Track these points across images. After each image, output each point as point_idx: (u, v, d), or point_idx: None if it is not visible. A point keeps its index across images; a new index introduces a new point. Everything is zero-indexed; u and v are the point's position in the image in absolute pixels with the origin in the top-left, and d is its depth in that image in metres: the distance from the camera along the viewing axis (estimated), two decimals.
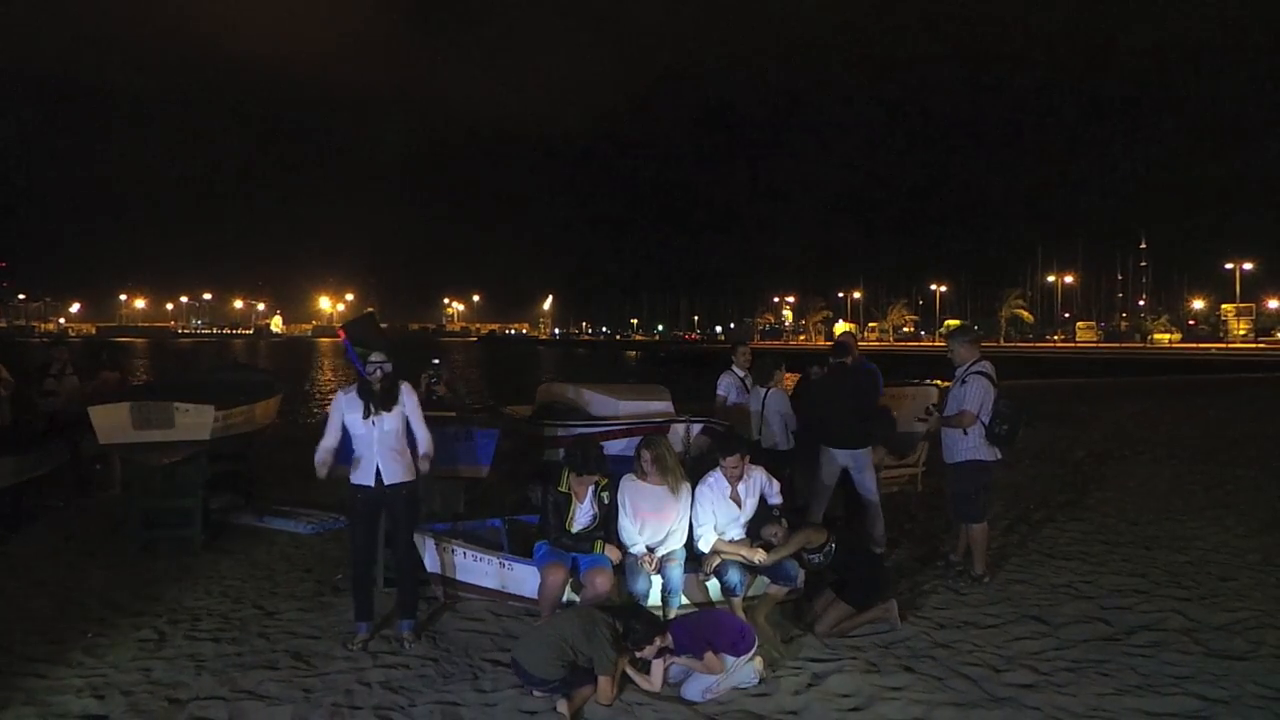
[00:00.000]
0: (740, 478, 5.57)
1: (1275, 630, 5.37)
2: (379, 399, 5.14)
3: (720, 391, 8.36)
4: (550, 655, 4.34)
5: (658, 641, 4.52)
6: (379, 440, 5.15)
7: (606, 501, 5.43)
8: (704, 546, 5.53)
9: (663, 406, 8.09)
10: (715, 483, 5.56)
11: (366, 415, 5.13)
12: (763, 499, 5.71)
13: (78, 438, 8.72)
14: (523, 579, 5.65)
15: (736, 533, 5.58)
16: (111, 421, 7.03)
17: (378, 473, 5.16)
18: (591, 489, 5.40)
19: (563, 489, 5.38)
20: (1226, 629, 5.44)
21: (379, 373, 5.16)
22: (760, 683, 4.61)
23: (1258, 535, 7.76)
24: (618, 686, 4.44)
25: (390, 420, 5.17)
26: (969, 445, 6.43)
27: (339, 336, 5.23)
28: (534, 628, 4.89)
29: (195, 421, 7.15)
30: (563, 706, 4.26)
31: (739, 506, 5.58)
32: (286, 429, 11.37)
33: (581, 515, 5.39)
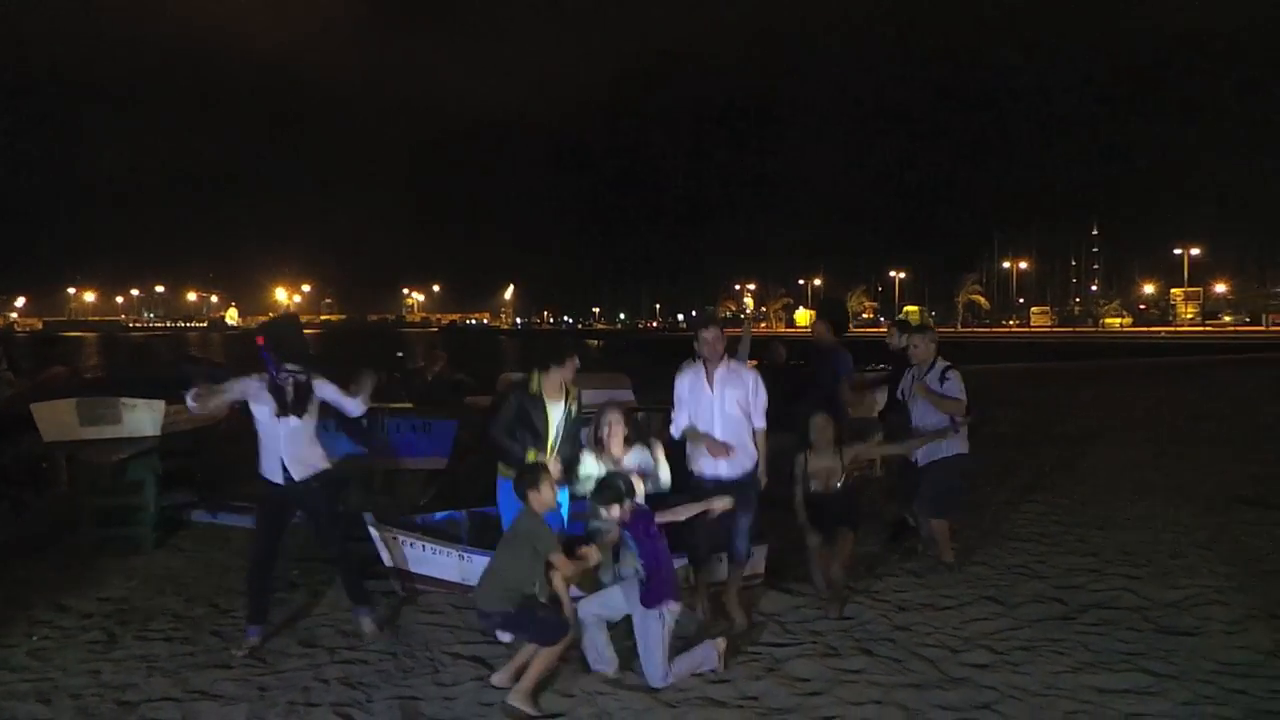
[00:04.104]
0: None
1: (1223, 606, 5.49)
2: (290, 404, 4.96)
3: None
4: (495, 584, 4.44)
5: (620, 509, 4.61)
6: (287, 439, 4.97)
7: (574, 415, 5.38)
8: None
9: (624, 395, 8.10)
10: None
11: (278, 414, 4.95)
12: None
13: (19, 436, 8.47)
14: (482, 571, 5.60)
15: None
16: (56, 419, 6.86)
17: (284, 470, 4.99)
18: (564, 396, 5.35)
19: (534, 391, 5.31)
20: (1176, 606, 5.55)
21: (291, 381, 4.97)
22: (720, 667, 4.62)
23: (1205, 515, 7.94)
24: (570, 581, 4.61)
25: (298, 421, 4.99)
26: (956, 440, 6.46)
27: (258, 342, 4.95)
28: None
29: (144, 417, 6.99)
30: (499, 678, 4.40)
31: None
32: (242, 422, 11.18)
33: (555, 418, 5.32)
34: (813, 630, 5.23)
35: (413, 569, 5.77)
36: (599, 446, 5.40)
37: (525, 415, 5.28)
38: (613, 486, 4.68)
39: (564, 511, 5.35)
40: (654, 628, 4.45)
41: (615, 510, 4.61)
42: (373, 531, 5.74)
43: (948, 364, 6.49)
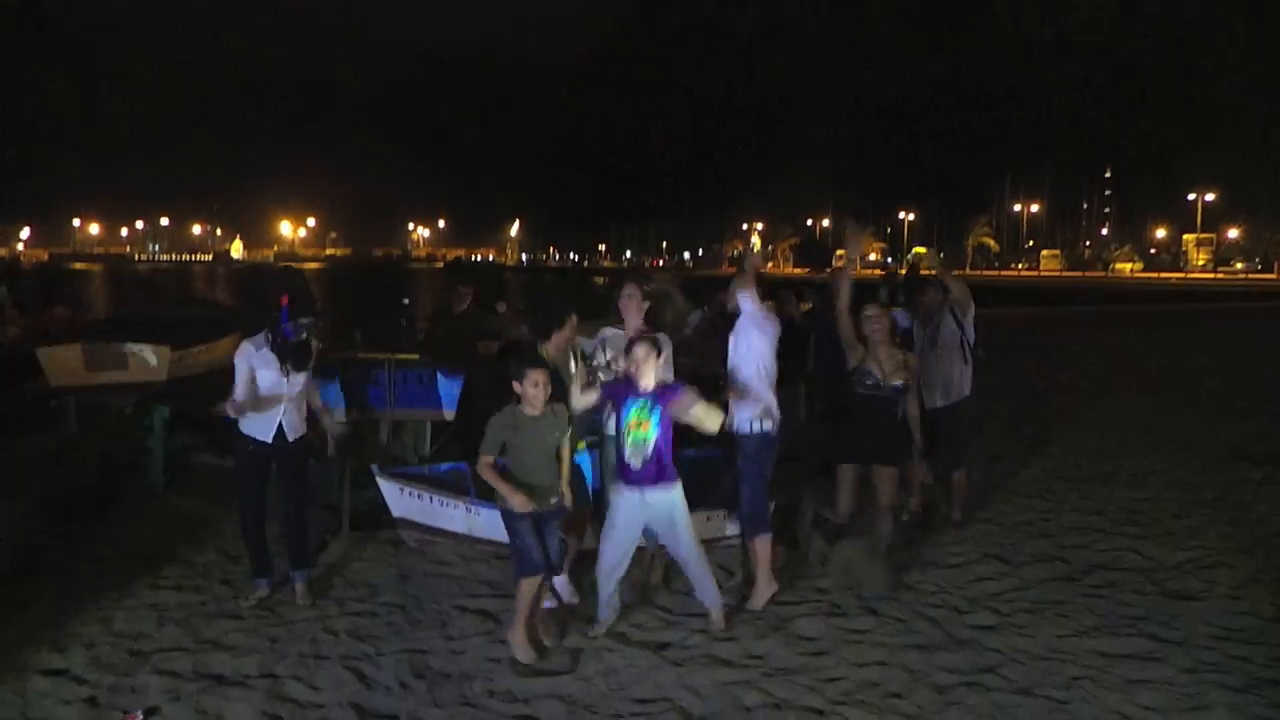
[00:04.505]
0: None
1: (1227, 570, 5.50)
2: (297, 358, 4.90)
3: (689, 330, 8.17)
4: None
5: (653, 363, 4.43)
6: (290, 397, 4.94)
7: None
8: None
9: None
10: None
11: (283, 372, 4.88)
12: None
13: (25, 378, 8.49)
14: (490, 523, 5.62)
15: None
16: (63, 363, 6.85)
17: (280, 429, 4.95)
18: (571, 356, 5.13)
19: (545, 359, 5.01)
20: (1180, 568, 5.57)
21: (305, 334, 4.91)
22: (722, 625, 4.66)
23: (1212, 472, 7.93)
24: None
25: (301, 377, 4.97)
26: (969, 377, 6.43)
27: (281, 302, 4.87)
28: None
29: (150, 362, 6.98)
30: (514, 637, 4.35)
31: None
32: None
33: (566, 379, 5.06)
34: (818, 588, 5.25)
35: (420, 520, 5.80)
36: (618, 322, 5.31)
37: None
38: (650, 339, 4.50)
39: (587, 472, 5.28)
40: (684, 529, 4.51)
41: (649, 362, 4.36)
42: (380, 482, 5.76)
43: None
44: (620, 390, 4.50)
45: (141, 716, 3.72)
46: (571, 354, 5.18)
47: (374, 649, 4.45)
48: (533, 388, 4.30)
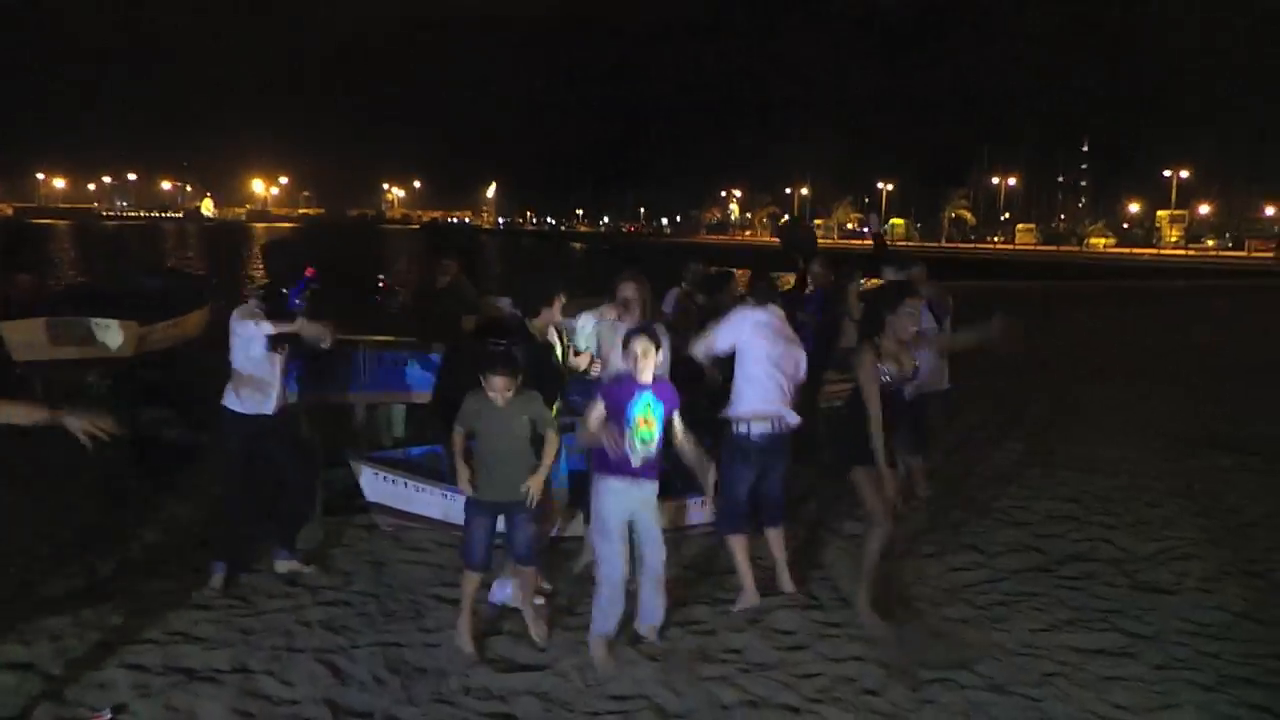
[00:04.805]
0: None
1: (1200, 561, 5.57)
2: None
3: (666, 309, 8.02)
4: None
5: (652, 359, 4.19)
6: (282, 368, 4.97)
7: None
8: None
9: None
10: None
11: (275, 346, 4.85)
12: None
13: None
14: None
15: None
16: (27, 338, 6.67)
17: (275, 401, 4.95)
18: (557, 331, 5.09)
19: (536, 335, 4.90)
20: (1153, 559, 5.62)
21: (304, 306, 4.95)
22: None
23: (1184, 459, 8.02)
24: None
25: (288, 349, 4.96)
26: (945, 372, 6.45)
27: (308, 273, 4.94)
28: None
29: (115, 338, 6.81)
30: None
31: None
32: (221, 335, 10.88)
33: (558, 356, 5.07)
34: (797, 578, 5.24)
35: (395, 505, 5.73)
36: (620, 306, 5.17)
37: (540, 364, 4.83)
38: (649, 333, 4.19)
39: (564, 469, 5.25)
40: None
41: (648, 357, 4.13)
42: (354, 466, 5.68)
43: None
44: (621, 388, 4.22)
45: (110, 715, 3.65)
46: (557, 332, 5.10)
47: (349, 640, 4.39)
48: (493, 394, 4.14)
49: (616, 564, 4.19)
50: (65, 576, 5.02)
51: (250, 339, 4.80)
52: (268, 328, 4.77)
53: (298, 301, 4.95)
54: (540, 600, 4.66)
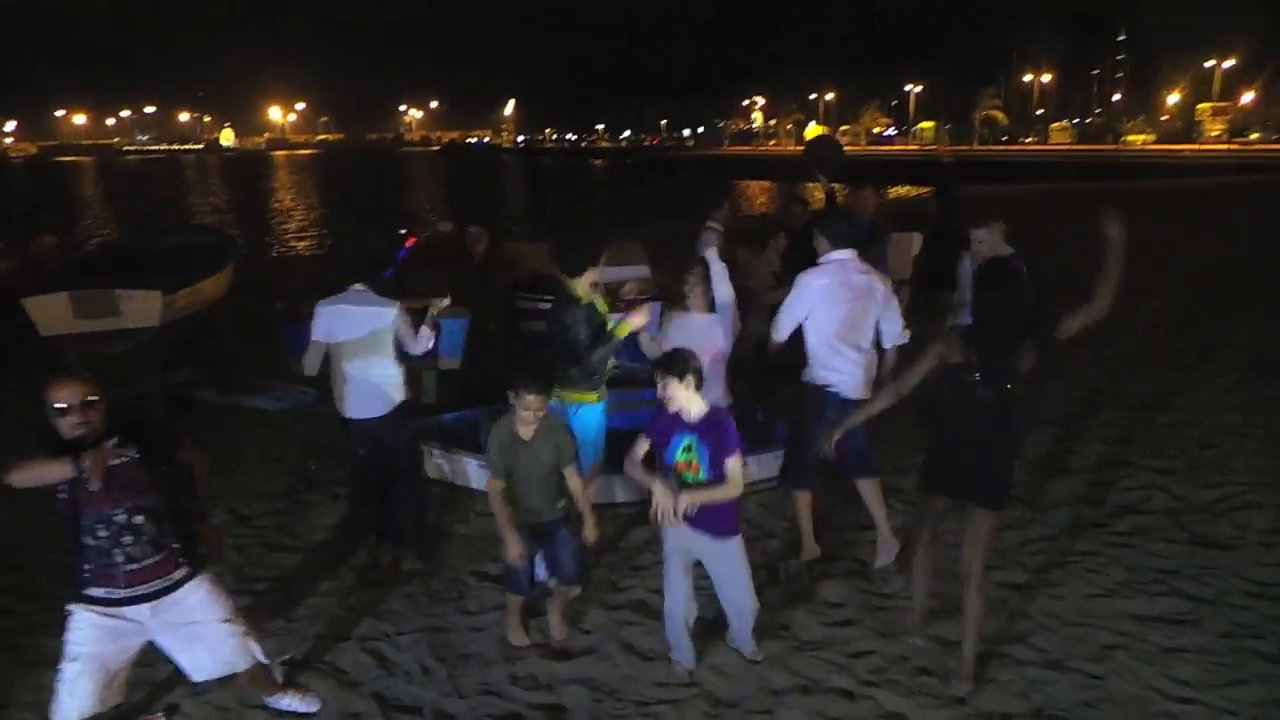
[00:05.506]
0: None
1: (1259, 510, 5.38)
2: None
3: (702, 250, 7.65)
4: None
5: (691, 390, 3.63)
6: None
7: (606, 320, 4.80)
8: None
9: (639, 271, 7.73)
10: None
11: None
12: None
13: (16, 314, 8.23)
14: None
15: None
16: (51, 314, 6.60)
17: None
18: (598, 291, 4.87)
19: (584, 301, 4.68)
20: (1211, 510, 5.45)
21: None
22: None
23: (1236, 389, 7.75)
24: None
25: None
26: None
27: (407, 244, 4.88)
28: None
29: (141, 309, 6.73)
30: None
31: None
32: (252, 287, 10.83)
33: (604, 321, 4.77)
34: (847, 541, 5.14)
35: (431, 476, 5.67)
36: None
37: (586, 328, 4.65)
38: (681, 365, 3.62)
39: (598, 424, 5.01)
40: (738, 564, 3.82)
41: (685, 394, 3.60)
42: None
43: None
44: (662, 426, 3.69)
45: (162, 717, 3.65)
46: (597, 293, 4.89)
47: (393, 626, 4.37)
48: (524, 410, 3.78)
49: (676, 599, 3.84)
50: None
51: (413, 346, 4.70)
52: (426, 334, 4.71)
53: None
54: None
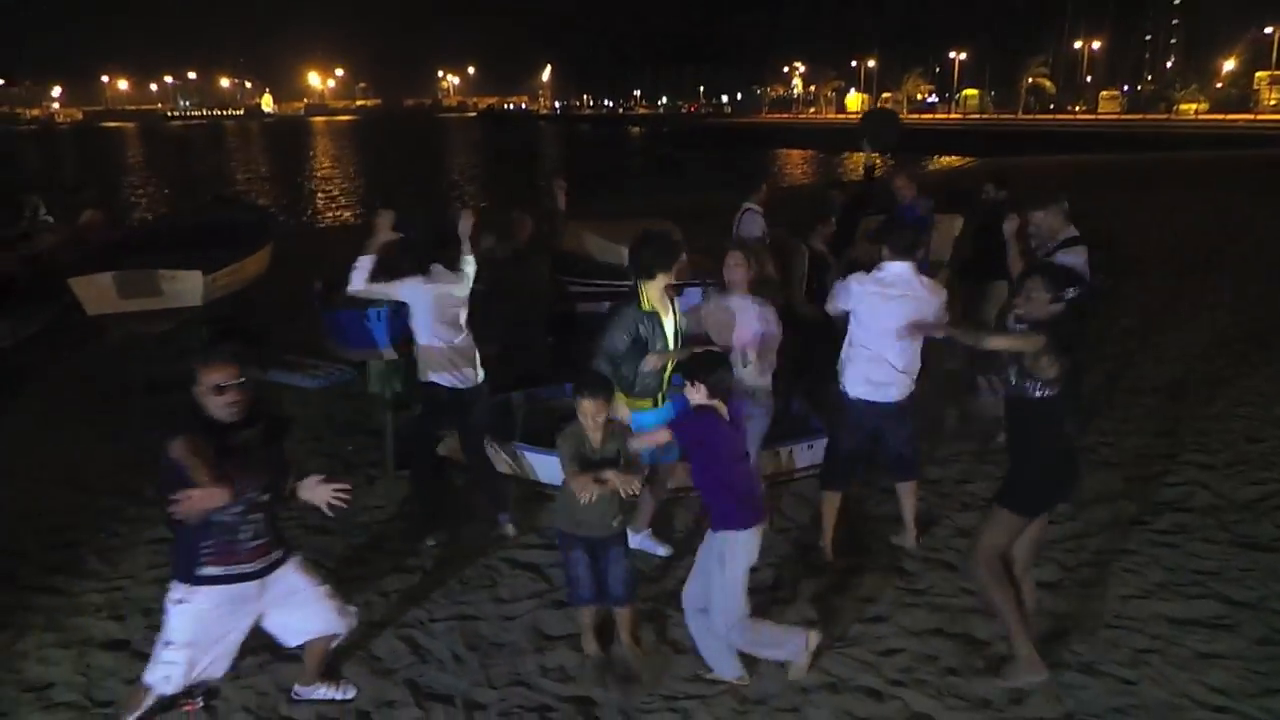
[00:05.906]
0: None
1: None
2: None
3: (745, 233, 7.47)
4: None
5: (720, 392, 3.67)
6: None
7: (680, 326, 4.64)
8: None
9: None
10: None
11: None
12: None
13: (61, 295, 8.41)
14: (537, 466, 5.56)
15: None
16: (96, 293, 6.74)
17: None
18: (669, 304, 4.59)
19: (646, 308, 4.46)
20: (1253, 508, 5.34)
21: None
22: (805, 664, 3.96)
23: None
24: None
25: None
26: None
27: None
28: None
29: (184, 289, 6.85)
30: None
31: None
32: (293, 261, 10.89)
33: (669, 331, 4.54)
34: (880, 534, 5.13)
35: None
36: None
37: (641, 339, 4.44)
38: (712, 360, 3.72)
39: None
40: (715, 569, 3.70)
41: (703, 392, 3.62)
42: None
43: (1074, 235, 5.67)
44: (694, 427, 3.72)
45: (201, 703, 3.75)
46: (670, 301, 4.63)
47: (426, 613, 4.44)
48: (582, 417, 3.74)
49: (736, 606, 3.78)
50: (147, 540, 5.13)
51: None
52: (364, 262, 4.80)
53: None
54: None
